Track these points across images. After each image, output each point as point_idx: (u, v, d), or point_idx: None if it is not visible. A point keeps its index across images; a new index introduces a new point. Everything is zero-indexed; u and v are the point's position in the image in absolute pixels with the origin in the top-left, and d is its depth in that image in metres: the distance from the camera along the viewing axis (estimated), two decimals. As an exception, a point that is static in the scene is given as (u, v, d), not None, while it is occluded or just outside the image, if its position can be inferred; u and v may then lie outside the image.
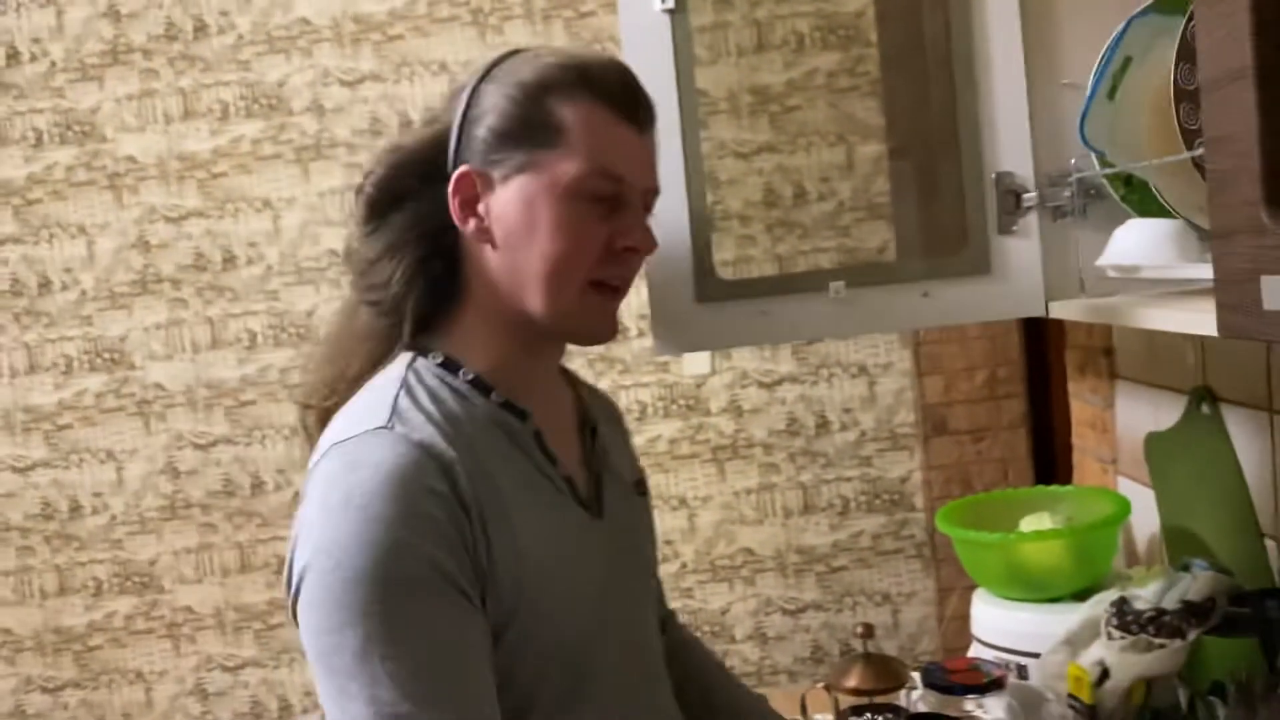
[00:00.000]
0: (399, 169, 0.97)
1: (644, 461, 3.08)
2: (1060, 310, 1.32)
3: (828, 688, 1.42)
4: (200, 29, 2.81)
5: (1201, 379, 1.42)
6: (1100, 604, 1.37)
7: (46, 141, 2.81)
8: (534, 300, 0.92)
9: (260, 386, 2.87)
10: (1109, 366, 1.73)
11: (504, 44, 2.80)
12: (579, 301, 0.92)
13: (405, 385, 0.92)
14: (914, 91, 1.60)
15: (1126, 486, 1.68)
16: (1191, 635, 1.24)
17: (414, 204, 0.96)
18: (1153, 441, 1.53)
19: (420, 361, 0.95)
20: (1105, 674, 1.29)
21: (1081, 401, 1.86)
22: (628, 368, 2.87)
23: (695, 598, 2.83)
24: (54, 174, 2.82)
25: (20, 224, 2.84)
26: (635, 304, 2.86)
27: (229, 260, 2.85)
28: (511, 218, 0.92)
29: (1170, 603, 1.29)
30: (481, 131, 0.93)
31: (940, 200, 1.47)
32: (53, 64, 2.80)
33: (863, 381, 2.82)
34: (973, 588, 1.60)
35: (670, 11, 1.20)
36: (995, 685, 1.38)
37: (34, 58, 2.80)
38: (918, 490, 2.81)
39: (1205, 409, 1.41)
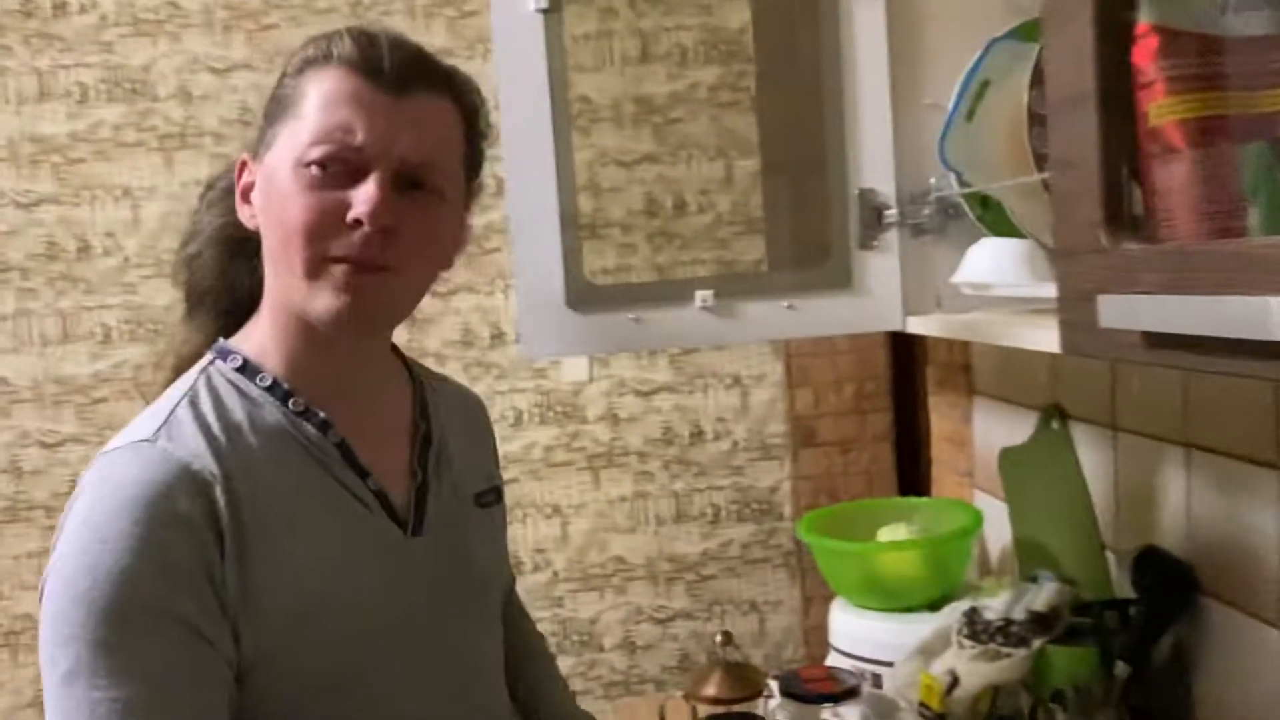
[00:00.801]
0: (227, 172, 0.96)
1: (518, 469, 3.03)
2: (918, 325, 1.35)
3: (686, 696, 1.42)
4: (60, 7, 2.67)
5: (1052, 396, 1.48)
6: (952, 614, 1.41)
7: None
8: (281, 278, 0.86)
9: (114, 383, 2.74)
10: (967, 382, 1.78)
11: (384, 40, 2.75)
12: (308, 276, 0.84)
13: (192, 393, 0.87)
14: (786, 108, 1.62)
15: (982, 499, 1.73)
16: (1036, 644, 1.28)
17: (226, 203, 0.94)
18: (1006, 456, 1.58)
19: (218, 365, 0.90)
20: (955, 682, 1.32)
21: (940, 416, 1.92)
22: (504, 373, 2.83)
23: (565, 607, 2.82)
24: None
25: None
26: (513, 308, 2.83)
27: (83, 250, 2.72)
28: (261, 198, 0.88)
29: (1018, 613, 1.33)
30: (262, 119, 0.91)
31: (808, 215, 1.49)
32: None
33: (736, 392, 2.85)
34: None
35: (544, 11, 1.19)
36: (850, 694, 1.40)
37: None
38: (786, 500, 2.85)
39: (1055, 425, 1.47)
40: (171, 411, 0.85)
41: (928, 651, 1.42)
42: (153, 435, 0.83)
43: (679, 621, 2.86)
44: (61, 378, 2.73)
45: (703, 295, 1.25)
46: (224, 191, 0.96)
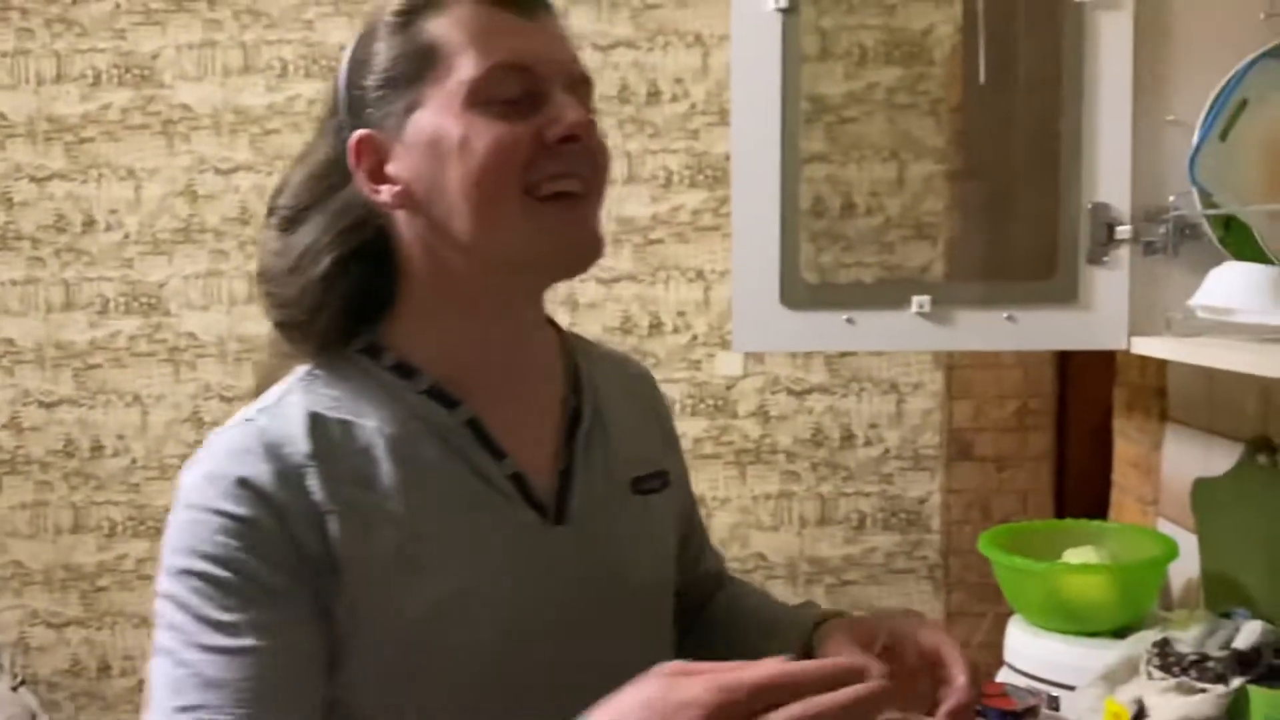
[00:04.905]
0: (309, 178, 0.85)
1: (669, 459, 3.04)
2: (1143, 346, 1.32)
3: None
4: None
5: (1262, 428, 1.42)
6: (1140, 643, 1.37)
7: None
8: (472, 238, 0.78)
9: (107, 351, 2.95)
10: (1160, 407, 1.73)
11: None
12: (523, 218, 0.77)
13: (309, 376, 0.83)
14: (997, 113, 1.60)
15: (1166, 529, 1.68)
16: (1235, 683, 1.24)
17: (322, 210, 0.84)
18: (1201, 487, 1.53)
19: (345, 351, 0.84)
20: (1142, 713, 1.29)
21: (1126, 440, 1.86)
22: (659, 362, 2.86)
23: (703, 598, 2.84)
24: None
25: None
26: (673, 299, 2.86)
27: (89, 225, 2.93)
28: (423, 163, 0.79)
29: (1213, 648, 1.29)
30: (366, 88, 0.81)
31: (1021, 224, 1.47)
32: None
33: (892, 399, 2.82)
34: (999, 614, 1.60)
35: (783, 11, 1.20)
36: (1030, 713, 1.38)
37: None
38: (935, 513, 2.81)
39: (1262, 459, 1.41)
40: (282, 394, 0.82)
41: (1112, 679, 1.38)
42: (255, 415, 0.80)
43: (816, 624, 2.85)
44: (61, 342, 2.95)
45: (919, 300, 1.25)
46: (294, 221, 0.85)
